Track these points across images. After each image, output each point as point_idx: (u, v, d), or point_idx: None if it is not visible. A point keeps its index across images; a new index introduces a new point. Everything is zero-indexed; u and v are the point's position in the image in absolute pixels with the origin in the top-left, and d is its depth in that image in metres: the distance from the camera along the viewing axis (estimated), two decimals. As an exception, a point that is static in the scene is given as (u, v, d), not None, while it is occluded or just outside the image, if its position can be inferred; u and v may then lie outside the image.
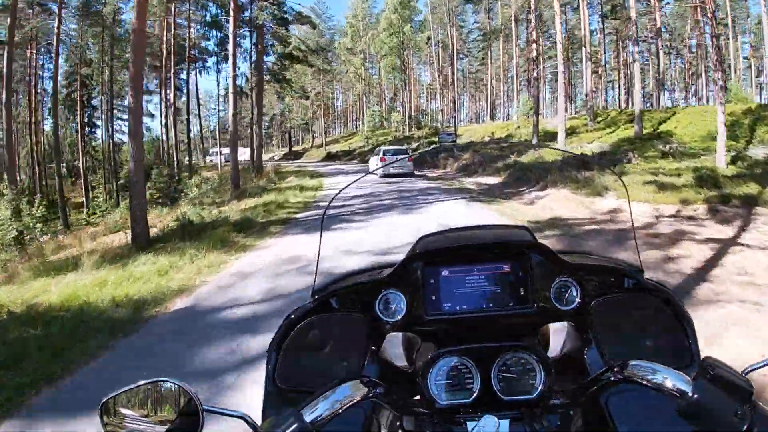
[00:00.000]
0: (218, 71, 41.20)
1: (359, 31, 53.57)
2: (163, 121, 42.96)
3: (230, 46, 21.45)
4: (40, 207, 16.81)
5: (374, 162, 25.74)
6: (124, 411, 0.87)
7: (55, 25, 30.25)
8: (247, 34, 29.01)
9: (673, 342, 1.21)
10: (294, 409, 0.83)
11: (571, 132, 27.81)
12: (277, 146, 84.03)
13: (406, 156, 22.60)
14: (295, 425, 0.79)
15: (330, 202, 1.72)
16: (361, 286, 1.37)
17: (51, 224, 22.01)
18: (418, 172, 26.40)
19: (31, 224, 15.71)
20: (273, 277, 6.54)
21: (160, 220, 13.55)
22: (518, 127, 38.58)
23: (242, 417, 0.86)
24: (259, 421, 0.89)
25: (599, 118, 32.49)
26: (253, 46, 29.45)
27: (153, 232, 10.74)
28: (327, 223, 10.02)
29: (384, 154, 25.11)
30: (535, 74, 32.43)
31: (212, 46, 37.13)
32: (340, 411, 0.86)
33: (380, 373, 1.28)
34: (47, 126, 48.92)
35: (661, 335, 1.22)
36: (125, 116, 59.23)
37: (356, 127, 71.34)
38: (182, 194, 25.21)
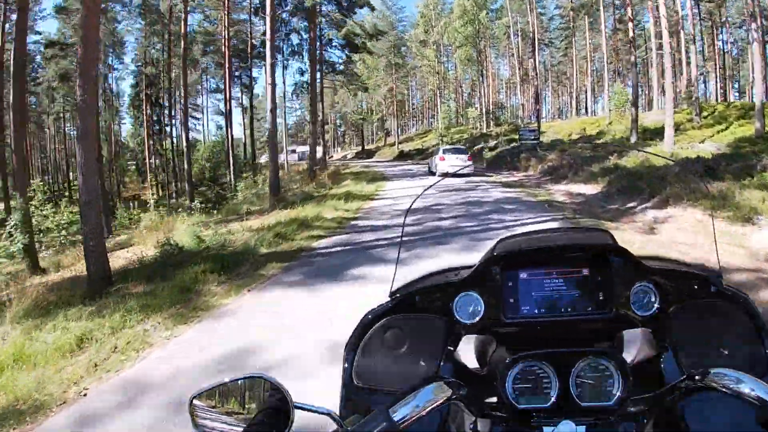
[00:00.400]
0: (284, 67, 39.02)
1: (431, 21, 50.16)
2: (225, 121, 41.76)
3: (267, 28, 18.48)
4: (65, 212, 15.47)
5: (434, 163, 25.36)
6: (213, 405, 0.91)
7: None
8: (302, 23, 26.54)
9: (749, 350, 1.18)
10: (382, 407, 0.85)
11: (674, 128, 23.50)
12: (349, 144, 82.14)
13: (468, 165, 22.70)
14: (384, 424, 0.82)
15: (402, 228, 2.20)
16: (439, 288, 1.34)
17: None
18: (493, 176, 23.15)
19: (56, 230, 14.56)
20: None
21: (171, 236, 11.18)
22: (610, 122, 34.21)
23: (329, 414, 0.89)
24: (339, 414, 0.94)
25: (704, 113, 27.95)
26: (305, 35, 26.88)
27: (139, 258, 8.52)
28: (326, 272, 7.26)
29: (443, 153, 24.47)
30: (632, 58, 27.97)
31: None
32: (424, 411, 0.87)
33: (455, 374, 1.30)
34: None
35: (737, 343, 1.19)
36: (198, 114, 60.44)
37: (431, 125, 68.30)
38: (225, 201, 23.40)
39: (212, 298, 6.29)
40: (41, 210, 14.51)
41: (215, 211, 18.79)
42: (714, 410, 0.93)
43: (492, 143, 37.77)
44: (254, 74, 51.53)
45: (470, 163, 23.64)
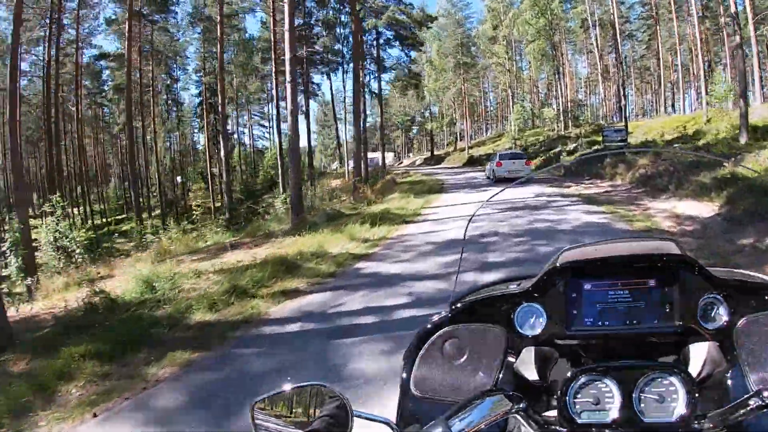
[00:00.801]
0: (345, 71, 36.79)
1: (500, 15, 46.29)
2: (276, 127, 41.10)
3: (285, 12, 15.63)
4: (82, 230, 15.19)
5: (490, 169, 24.91)
6: (274, 412, 0.94)
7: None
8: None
9: None
10: (442, 418, 0.85)
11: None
12: (417, 150, 79.29)
13: (524, 170, 22.42)
14: None
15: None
16: (500, 298, 1.33)
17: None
18: (572, 186, 19.69)
19: (75, 247, 13.86)
20: None
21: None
22: (708, 120, 29.13)
23: (387, 423, 0.92)
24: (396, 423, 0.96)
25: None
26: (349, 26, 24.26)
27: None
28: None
29: (500, 158, 24.30)
30: (736, 39, 22.89)
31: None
32: (483, 425, 0.87)
33: (514, 386, 1.29)
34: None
35: None
36: (265, 122, 59.63)
37: (504, 128, 64.47)
38: (257, 216, 21.76)
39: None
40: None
41: (237, 230, 17.15)
42: None
43: (571, 146, 33.74)
44: (318, 80, 49.98)
45: (529, 168, 23.27)
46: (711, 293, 1.21)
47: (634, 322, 1.21)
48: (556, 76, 46.40)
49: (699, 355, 1.29)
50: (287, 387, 0.94)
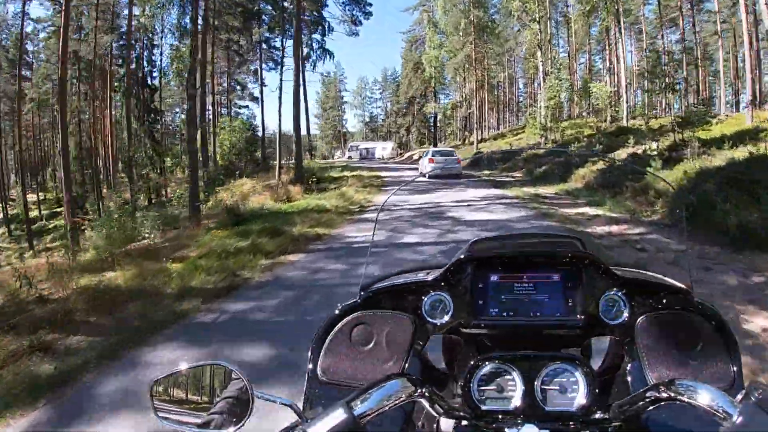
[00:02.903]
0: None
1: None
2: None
3: None
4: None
5: (423, 165, 24.67)
6: (174, 392, 0.93)
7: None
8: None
9: (716, 364, 1.20)
10: (343, 401, 0.84)
11: None
12: (417, 142, 63.79)
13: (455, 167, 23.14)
14: (344, 417, 0.81)
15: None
16: (410, 286, 1.36)
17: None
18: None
19: None
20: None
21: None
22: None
23: (290, 405, 0.91)
24: (302, 407, 1.01)
25: None
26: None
27: None
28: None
29: (432, 155, 25.03)
30: None
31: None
32: (387, 407, 0.87)
33: (421, 373, 1.32)
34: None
35: (705, 356, 1.21)
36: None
37: (531, 114, 49.45)
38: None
39: None
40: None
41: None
42: (678, 421, 0.96)
43: (651, 148, 18.12)
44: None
45: (460, 166, 23.89)
46: (613, 290, 1.26)
47: (538, 314, 1.25)
48: (614, 33, 30.74)
49: (601, 349, 1.40)
50: (184, 366, 0.92)
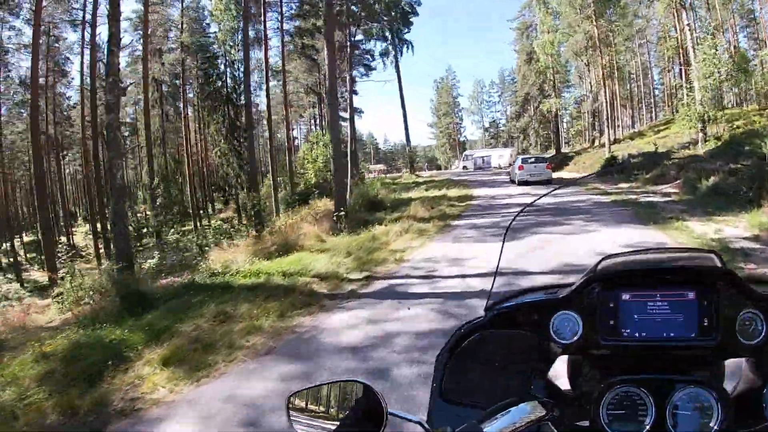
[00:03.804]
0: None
1: None
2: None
3: None
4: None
5: (513, 172, 26.24)
6: (310, 406, 0.97)
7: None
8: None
9: None
10: (475, 422, 0.87)
11: None
12: (539, 146, 55.91)
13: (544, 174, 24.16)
14: None
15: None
16: (536, 304, 1.34)
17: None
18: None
19: None
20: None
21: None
22: None
23: (420, 423, 0.93)
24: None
25: None
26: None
27: None
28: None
29: (522, 162, 25.42)
30: None
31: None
32: (516, 430, 0.88)
33: (547, 394, 1.26)
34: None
35: None
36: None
37: (678, 107, 40.87)
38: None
39: None
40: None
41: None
42: None
43: None
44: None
45: (549, 172, 24.48)
46: (750, 308, 1.18)
47: (672, 334, 1.19)
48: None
49: (735, 371, 1.30)
50: (323, 381, 0.96)
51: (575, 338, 1.24)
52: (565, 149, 45.46)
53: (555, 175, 31.08)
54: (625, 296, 1.22)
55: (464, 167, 54.66)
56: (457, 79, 78.52)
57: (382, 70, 59.68)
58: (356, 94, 53.72)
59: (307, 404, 0.97)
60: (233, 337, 5.84)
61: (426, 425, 0.92)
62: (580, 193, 18.86)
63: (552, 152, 43.65)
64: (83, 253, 31.30)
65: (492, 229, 11.60)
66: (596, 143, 40.89)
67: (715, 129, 22.21)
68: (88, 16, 28.36)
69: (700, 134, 22.19)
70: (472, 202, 18.75)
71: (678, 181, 17.86)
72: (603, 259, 1.29)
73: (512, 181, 25.78)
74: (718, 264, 1.23)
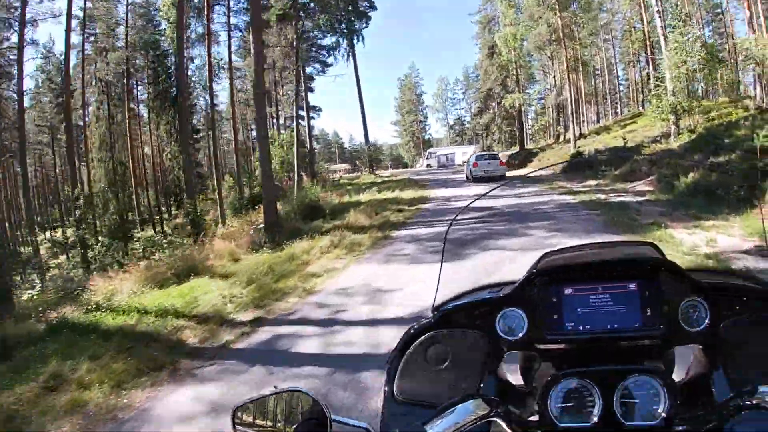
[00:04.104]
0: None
1: None
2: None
3: None
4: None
5: (468, 170, 26.84)
6: (254, 418, 0.96)
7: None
8: None
9: None
10: (418, 424, 0.87)
11: None
12: (503, 143, 54.29)
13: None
14: None
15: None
16: (482, 303, 1.35)
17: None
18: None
19: None
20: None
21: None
22: None
23: (366, 428, 0.93)
24: (378, 428, 0.99)
25: None
26: None
27: None
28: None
29: (476, 160, 26.29)
30: None
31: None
32: (462, 428, 0.88)
33: (497, 390, 1.30)
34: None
35: None
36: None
37: (647, 100, 39.60)
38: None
39: None
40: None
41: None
42: (763, 429, 0.90)
43: None
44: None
45: (504, 168, 25.54)
46: (692, 296, 1.22)
47: (615, 326, 1.20)
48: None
49: (683, 358, 1.33)
50: (267, 392, 0.95)
51: (521, 334, 1.26)
52: (529, 146, 43.78)
53: (519, 172, 29.44)
54: (568, 290, 1.23)
55: (428, 165, 53.91)
56: (420, 77, 77.37)
57: (344, 66, 57.91)
58: (311, 91, 51.79)
59: (252, 417, 0.95)
60: (44, 421, 4.44)
61: (372, 429, 0.91)
62: (543, 192, 17.01)
63: (516, 149, 42.06)
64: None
65: (435, 243, 9.60)
66: (561, 139, 39.34)
67: (688, 121, 20.59)
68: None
69: (673, 127, 20.52)
70: (423, 206, 16.77)
71: (650, 178, 16.16)
72: (544, 255, 1.33)
73: (468, 179, 26.33)
74: (658, 255, 1.27)
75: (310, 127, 38.62)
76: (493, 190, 1.89)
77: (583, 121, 39.26)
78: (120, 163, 36.10)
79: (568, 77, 31.53)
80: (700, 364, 1.27)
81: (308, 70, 43.38)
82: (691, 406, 1.05)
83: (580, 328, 1.21)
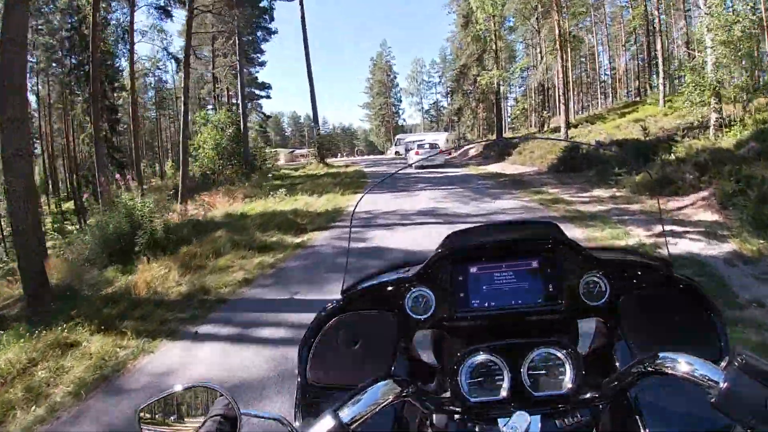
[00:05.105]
0: None
1: None
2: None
3: None
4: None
5: (410, 156, 29.54)
6: (161, 417, 0.91)
7: None
8: None
9: (702, 336, 1.21)
10: (330, 409, 0.84)
11: None
12: (479, 130, 48.01)
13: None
14: (332, 425, 0.80)
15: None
16: (390, 284, 1.37)
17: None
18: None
19: None
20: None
21: None
22: None
23: (278, 419, 0.90)
24: (293, 417, 0.98)
25: None
26: None
27: None
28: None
29: (418, 148, 29.06)
30: None
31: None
32: (375, 410, 0.87)
33: (410, 370, 1.32)
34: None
35: (690, 329, 1.22)
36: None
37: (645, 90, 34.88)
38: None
39: None
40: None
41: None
42: (666, 393, 0.97)
43: None
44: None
45: (442, 156, 27.93)
46: (592, 272, 1.28)
47: (519, 302, 1.26)
48: None
49: (587, 330, 1.38)
50: (174, 390, 0.90)
51: (429, 313, 1.30)
52: (507, 134, 37.58)
53: (493, 169, 23.16)
54: (473, 269, 1.28)
55: (396, 153, 48.11)
56: (392, 55, 71.43)
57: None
58: (263, 66, 45.32)
59: (158, 416, 0.89)
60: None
61: (284, 420, 0.89)
62: (526, 207, 10.73)
63: (492, 137, 35.83)
64: None
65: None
66: (546, 127, 33.06)
67: (733, 109, 14.36)
68: None
69: (713, 116, 14.23)
70: (317, 237, 9.79)
71: (703, 194, 9.90)
72: (450, 235, 1.35)
73: (409, 166, 26.12)
74: (557, 234, 1.31)
75: (244, 105, 31.63)
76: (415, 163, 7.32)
77: (571, 109, 33.14)
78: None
79: (560, 47, 24.88)
80: (603, 336, 1.32)
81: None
82: (596, 375, 1.05)
83: (486, 304, 1.27)
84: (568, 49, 29.13)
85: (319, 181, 21.02)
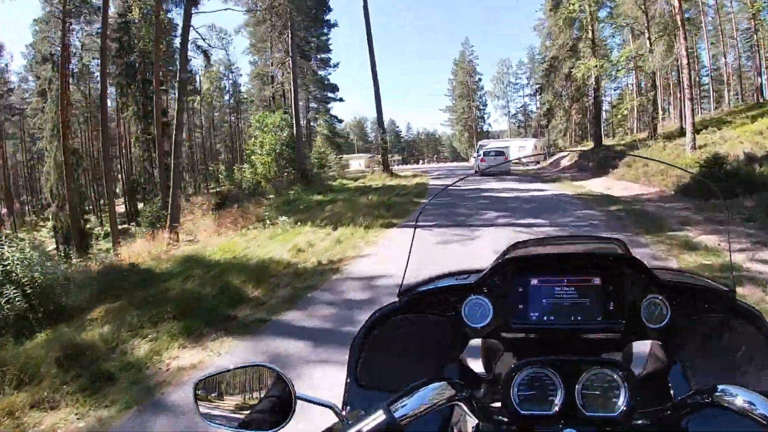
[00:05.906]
0: None
1: None
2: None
3: None
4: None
5: (476, 164, 31.89)
6: (218, 392, 0.94)
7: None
8: None
9: (761, 368, 1.16)
10: (384, 403, 0.84)
11: None
12: (572, 137, 41.82)
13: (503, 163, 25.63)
14: (382, 418, 0.80)
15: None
16: (448, 290, 1.35)
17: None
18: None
19: None
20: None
21: None
22: None
23: (331, 407, 0.94)
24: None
25: None
26: None
27: None
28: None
29: (484, 155, 29.87)
30: None
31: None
32: (426, 411, 0.87)
33: (460, 377, 1.30)
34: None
35: (750, 360, 1.18)
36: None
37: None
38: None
39: None
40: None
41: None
42: (720, 428, 0.91)
43: None
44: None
45: (509, 164, 28.04)
46: (654, 294, 1.24)
47: (579, 318, 1.23)
48: None
49: (642, 353, 1.38)
50: (231, 367, 0.93)
51: (486, 322, 1.27)
52: (607, 141, 31.59)
53: (596, 186, 17.62)
54: (534, 281, 1.25)
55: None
56: (475, 55, 66.44)
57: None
58: (335, 67, 42.69)
59: (216, 392, 0.92)
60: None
61: (337, 408, 0.92)
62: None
63: (590, 144, 30.08)
64: None
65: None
66: (658, 132, 26.75)
67: None
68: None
69: None
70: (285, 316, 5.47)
71: None
72: (512, 245, 1.35)
73: (475, 173, 26.60)
74: (623, 251, 1.28)
75: (296, 104, 27.82)
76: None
77: (689, 111, 26.74)
78: (73, 152, 28.61)
79: (682, 25, 18.76)
80: (658, 360, 1.29)
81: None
82: (647, 400, 1.02)
83: (545, 318, 1.24)
84: (686, 34, 23.02)
85: (360, 199, 16.47)
